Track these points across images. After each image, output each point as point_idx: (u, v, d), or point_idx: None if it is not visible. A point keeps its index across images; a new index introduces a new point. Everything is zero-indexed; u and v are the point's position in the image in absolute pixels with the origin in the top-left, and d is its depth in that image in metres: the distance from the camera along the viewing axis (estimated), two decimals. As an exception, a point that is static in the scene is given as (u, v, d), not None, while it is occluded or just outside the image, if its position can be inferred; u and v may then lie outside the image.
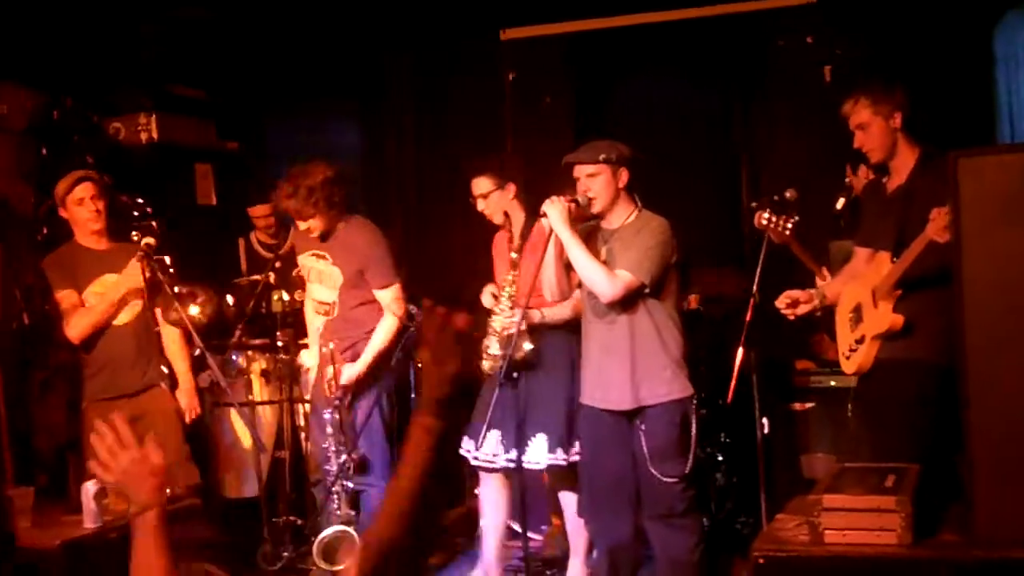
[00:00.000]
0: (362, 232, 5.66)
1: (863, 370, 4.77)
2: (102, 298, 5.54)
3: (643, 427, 4.87)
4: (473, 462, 5.48)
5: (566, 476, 5.40)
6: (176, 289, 5.34)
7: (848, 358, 4.85)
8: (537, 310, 5.28)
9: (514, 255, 5.35)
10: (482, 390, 5.58)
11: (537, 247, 5.24)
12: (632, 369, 4.87)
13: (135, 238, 5.51)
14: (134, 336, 5.60)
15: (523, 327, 5.16)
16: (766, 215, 5.19)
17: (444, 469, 2.35)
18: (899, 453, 4.30)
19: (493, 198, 5.48)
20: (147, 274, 5.41)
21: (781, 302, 4.92)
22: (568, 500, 5.48)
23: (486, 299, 5.53)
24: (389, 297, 5.57)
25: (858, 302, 4.80)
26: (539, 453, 5.27)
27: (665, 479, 4.83)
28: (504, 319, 5.28)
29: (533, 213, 5.44)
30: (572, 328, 5.32)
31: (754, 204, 5.63)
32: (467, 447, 5.47)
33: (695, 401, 5.00)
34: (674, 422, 4.88)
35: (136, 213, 6.02)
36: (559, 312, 5.27)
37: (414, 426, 2.32)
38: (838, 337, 4.97)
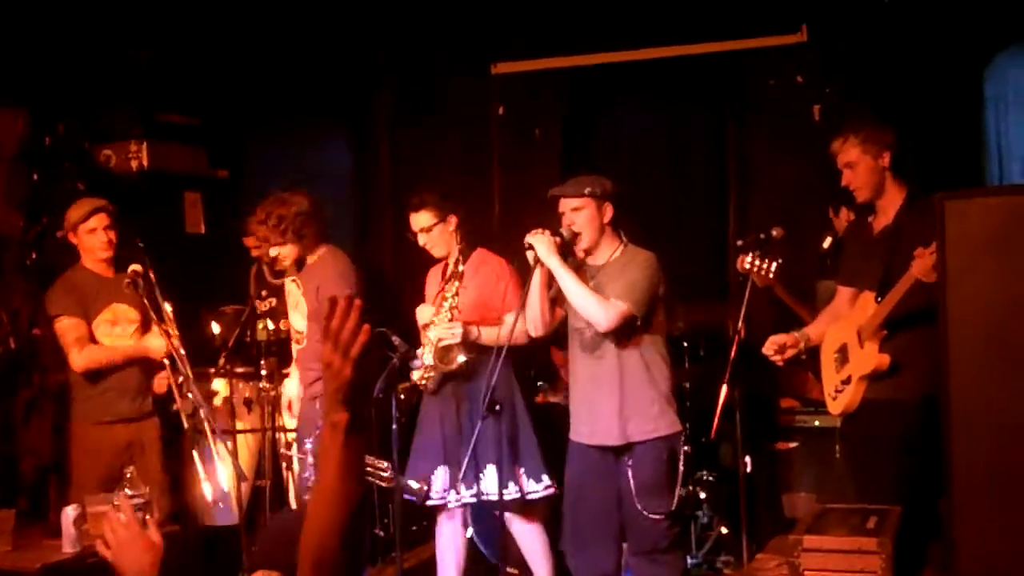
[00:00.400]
0: (328, 264, 5.70)
1: (850, 410, 4.75)
2: (125, 349, 5.59)
3: (630, 463, 4.84)
4: (428, 502, 5.45)
5: (520, 507, 5.41)
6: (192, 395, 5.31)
7: (834, 399, 4.84)
8: (475, 327, 5.34)
9: (461, 267, 5.42)
10: (421, 424, 5.56)
11: (476, 272, 5.45)
12: (620, 404, 4.85)
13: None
14: (137, 363, 5.62)
15: (458, 340, 5.30)
16: (748, 259, 5.19)
17: (360, 463, 2.31)
18: (885, 493, 4.30)
19: (436, 231, 5.52)
20: (143, 301, 5.43)
21: (768, 349, 4.89)
22: (523, 530, 5.48)
23: (423, 314, 5.55)
24: None
25: (843, 342, 4.80)
26: (492, 485, 5.30)
27: (651, 515, 4.81)
28: (442, 330, 5.32)
29: (472, 243, 5.59)
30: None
31: (740, 243, 5.65)
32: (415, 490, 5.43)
33: (683, 437, 4.98)
34: (661, 458, 4.86)
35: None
36: (495, 333, 5.30)
37: (324, 429, 2.27)
38: (823, 378, 4.96)
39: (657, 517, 4.81)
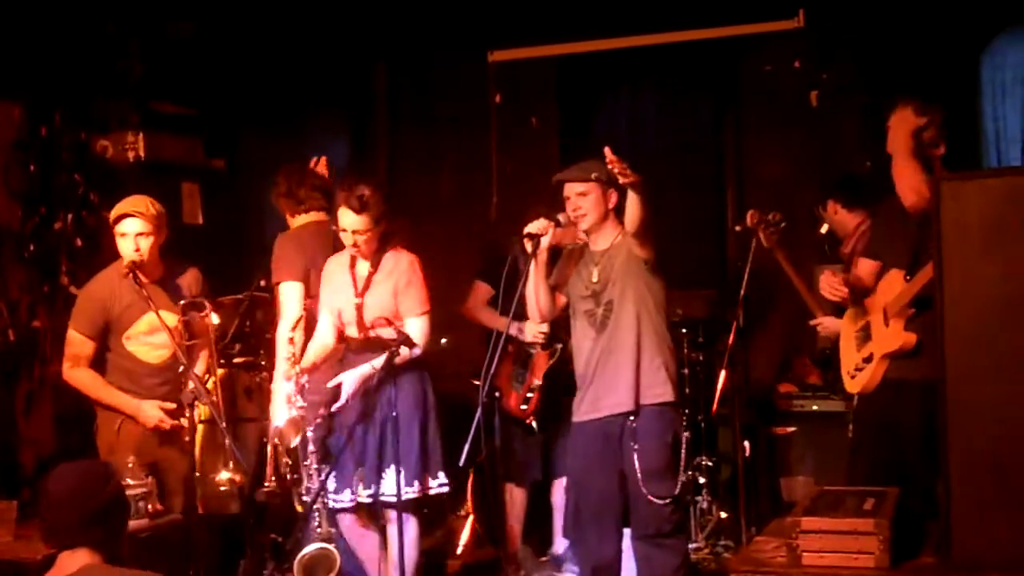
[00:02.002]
0: (280, 235, 5.78)
1: (868, 390, 4.74)
2: (116, 399, 5.30)
3: (636, 446, 4.86)
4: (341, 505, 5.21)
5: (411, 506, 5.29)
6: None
7: (853, 377, 4.82)
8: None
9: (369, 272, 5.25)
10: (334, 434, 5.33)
11: (388, 278, 5.22)
12: (634, 372, 4.87)
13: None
14: (167, 376, 5.38)
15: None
16: (757, 217, 5.20)
17: None
18: (902, 473, 4.32)
19: (370, 235, 5.22)
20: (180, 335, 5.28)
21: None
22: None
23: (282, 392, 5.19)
24: (281, 296, 5.52)
25: (866, 320, 4.78)
26: (391, 486, 5.12)
27: (656, 500, 4.83)
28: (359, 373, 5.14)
29: (383, 246, 5.31)
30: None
31: (738, 228, 5.68)
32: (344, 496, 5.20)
33: (685, 421, 5.00)
34: (666, 442, 4.88)
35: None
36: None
37: None
38: (842, 356, 4.94)
39: (662, 501, 4.83)
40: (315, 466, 5.02)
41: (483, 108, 8.07)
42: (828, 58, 7.24)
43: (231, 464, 5.12)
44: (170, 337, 5.15)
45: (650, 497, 4.82)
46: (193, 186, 7.21)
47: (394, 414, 5.01)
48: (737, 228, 6.01)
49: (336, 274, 5.37)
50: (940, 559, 3.67)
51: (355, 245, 5.21)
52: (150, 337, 5.36)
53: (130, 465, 4.91)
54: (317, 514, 4.98)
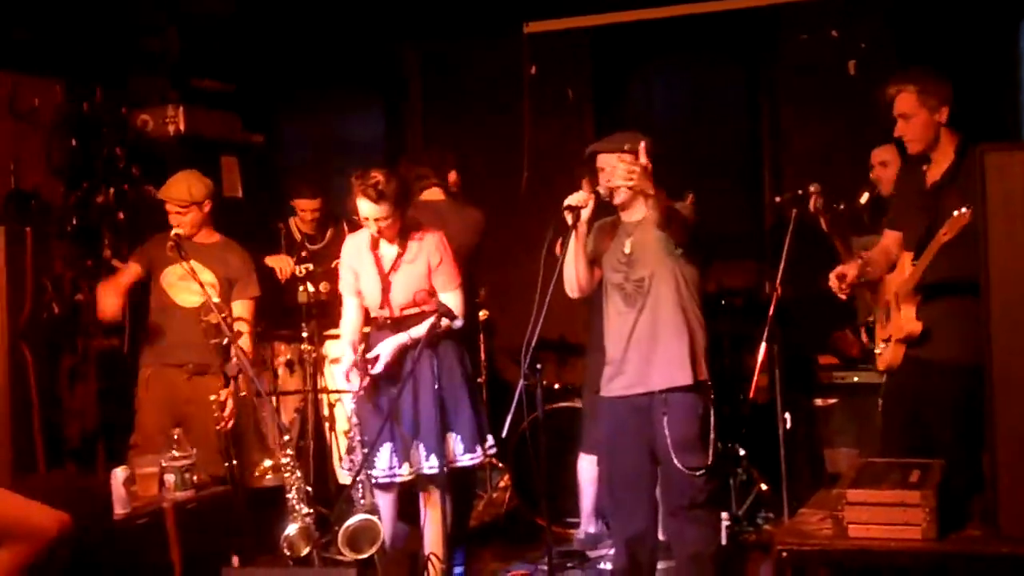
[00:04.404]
0: None
1: (892, 368, 4.74)
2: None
3: (666, 418, 4.85)
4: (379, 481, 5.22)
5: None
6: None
7: (880, 355, 4.84)
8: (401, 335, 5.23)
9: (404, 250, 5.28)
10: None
11: (420, 252, 5.25)
12: (664, 351, 4.81)
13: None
14: (198, 320, 5.44)
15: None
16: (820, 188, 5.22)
17: None
18: (923, 451, 4.32)
19: (395, 219, 5.22)
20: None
21: (833, 283, 4.84)
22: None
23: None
24: None
25: (887, 300, 4.78)
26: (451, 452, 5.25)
27: (689, 471, 4.83)
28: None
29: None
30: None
31: (777, 199, 5.65)
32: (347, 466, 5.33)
33: (713, 394, 4.97)
34: (696, 413, 4.83)
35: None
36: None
37: None
38: (876, 332, 4.95)
39: (695, 472, 4.82)
40: (358, 438, 5.05)
41: (516, 82, 8.06)
42: (866, 26, 7.19)
43: (270, 442, 5.21)
44: (206, 296, 5.25)
45: (683, 469, 4.82)
46: (232, 160, 7.27)
47: (436, 386, 5.07)
48: (776, 199, 5.97)
49: (358, 257, 5.35)
50: (987, 530, 3.67)
51: (379, 231, 5.19)
52: (183, 282, 5.66)
53: (176, 437, 4.95)
54: (361, 485, 5.01)
